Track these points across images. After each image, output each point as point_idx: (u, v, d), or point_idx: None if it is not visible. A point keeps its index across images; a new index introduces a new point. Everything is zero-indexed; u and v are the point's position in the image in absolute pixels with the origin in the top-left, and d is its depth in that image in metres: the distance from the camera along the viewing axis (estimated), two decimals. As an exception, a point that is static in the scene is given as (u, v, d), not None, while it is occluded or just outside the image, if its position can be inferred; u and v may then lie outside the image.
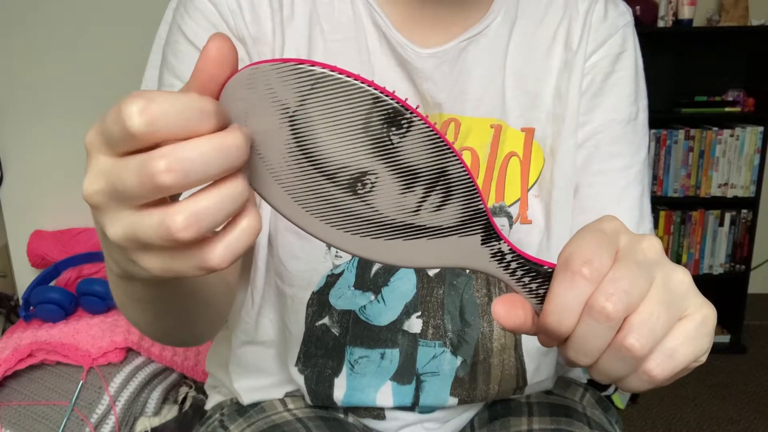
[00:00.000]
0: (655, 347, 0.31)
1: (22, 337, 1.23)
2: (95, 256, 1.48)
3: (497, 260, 0.34)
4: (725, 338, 2.34)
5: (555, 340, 0.33)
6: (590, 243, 0.32)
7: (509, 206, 0.60)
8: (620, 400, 1.98)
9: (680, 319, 0.32)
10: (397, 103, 0.29)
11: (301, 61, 0.28)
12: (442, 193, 0.32)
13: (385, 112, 0.29)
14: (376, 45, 0.59)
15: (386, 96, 0.29)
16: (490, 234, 0.34)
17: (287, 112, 0.29)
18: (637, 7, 2.20)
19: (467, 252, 0.34)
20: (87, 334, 1.23)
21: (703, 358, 0.33)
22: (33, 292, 1.31)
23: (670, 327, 0.31)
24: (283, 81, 0.29)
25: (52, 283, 1.43)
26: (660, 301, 0.31)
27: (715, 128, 2.36)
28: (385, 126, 0.30)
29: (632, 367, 0.32)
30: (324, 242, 0.37)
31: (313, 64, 0.28)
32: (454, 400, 0.63)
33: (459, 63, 0.60)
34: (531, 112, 0.61)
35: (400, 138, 0.30)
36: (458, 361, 0.61)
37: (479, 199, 0.32)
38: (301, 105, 0.29)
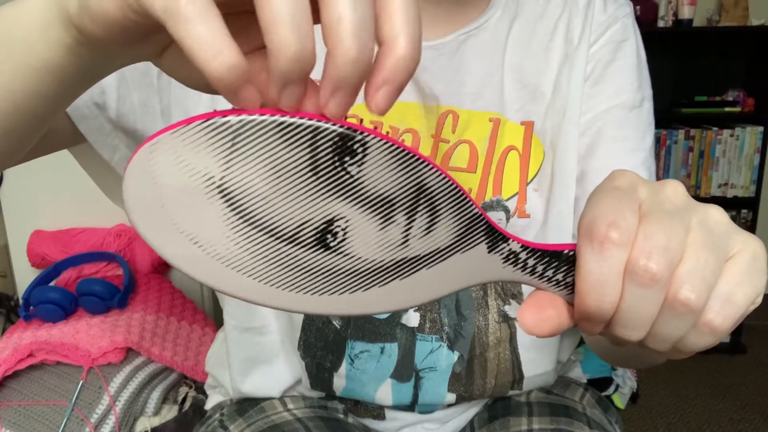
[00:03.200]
0: (710, 295, 0.28)
1: (22, 337, 1.23)
2: (95, 256, 1.48)
3: (512, 263, 0.30)
4: (725, 338, 2.35)
5: (600, 323, 0.29)
6: (609, 204, 0.28)
7: (506, 200, 0.60)
8: (620, 400, 1.98)
9: (728, 260, 0.29)
10: (342, 126, 0.24)
11: (209, 116, 0.24)
12: (428, 211, 0.27)
13: (332, 142, 0.24)
14: None
15: (327, 123, 0.24)
16: (496, 237, 0.29)
17: (213, 183, 0.24)
18: (637, 7, 2.20)
19: (476, 266, 0.29)
20: (87, 334, 1.23)
21: (759, 299, 0.29)
22: (33, 292, 1.31)
23: (720, 271, 0.28)
24: (193, 147, 0.24)
25: (52, 283, 1.43)
26: (703, 244, 0.28)
27: (715, 128, 2.36)
28: (336, 158, 0.25)
29: (690, 323, 0.28)
30: (310, 315, 0.32)
31: (225, 114, 0.24)
32: (452, 397, 0.63)
33: (458, 56, 0.60)
34: (530, 105, 0.61)
35: (359, 166, 0.25)
36: (455, 356, 0.62)
37: (471, 203, 0.28)
38: (226, 169, 0.24)
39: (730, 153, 2.36)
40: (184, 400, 1.27)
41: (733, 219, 2.40)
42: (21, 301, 1.37)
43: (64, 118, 0.54)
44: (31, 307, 1.30)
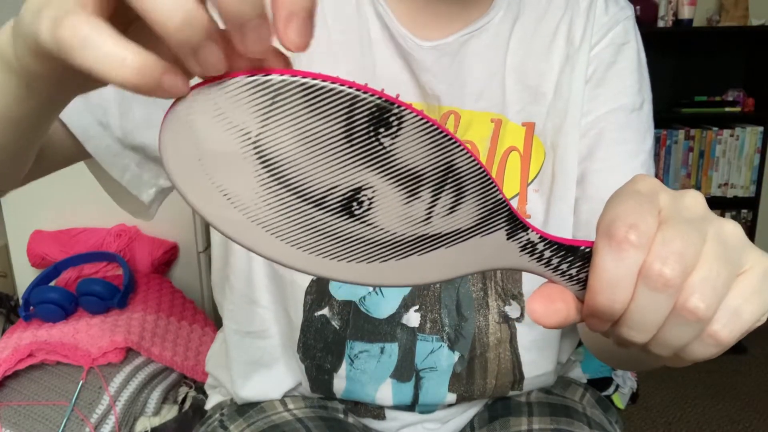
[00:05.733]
0: (719, 307, 0.28)
1: (22, 337, 1.23)
2: (95, 256, 1.48)
3: (528, 253, 0.30)
4: (725, 338, 2.34)
5: (607, 322, 0.30)
6: (630, 206, 0.28)
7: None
8: (620, 400, 1.97)
9: (739, 275, 0.29)
10: (380, 98, 0.25)
11: (251, 72, 0.24)
12: (453, 192, 0.28)
13: (369, 112, 0.25)
14: (378, 36, 0.59)
15: (365, 93, 0.24)
16: (516, 225, 0.29)
17: (249, 139, 0.25)
18: (637, 7, 2.20)
19: (493, 251, 0.30)
20: (87, 334, 1.23)
21: (765, 317, 0.30)
22: (33, 292, 1.31)
23: (731, 284, 0.28)
24: (234, 102, 0.24)
25: (52, 283, 1.43)
26: (717, 256, 0.28)
27: (715, 128, 2.36)
28: (371, 129, 0.25)
29: (696, 331, 0.29)
30: (327, 278, 0.33)
31: (268, 72, 0.24)
32: (452, 397, 0.63)
33: (459, 56, 0.60)
34: (532, 106, 0.61)
35: (392, 139, 0.26)
36: (455, 356, 0.62)
37: (496, 189, 0.28)
38: (264, 126, 0.25)
39: (730, 153, 2.36)
40: (184, 400, 1.27)
41: (733, 219, 2.40)
42: (21, 301, 1.36)
43: (69, 138, 0.54)
44: (31, 307, 1.30)
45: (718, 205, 2.41)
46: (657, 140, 2.35)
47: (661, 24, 2.31)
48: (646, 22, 2.27)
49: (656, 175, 0.69)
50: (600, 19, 0.62)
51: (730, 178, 2.38)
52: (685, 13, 2.26)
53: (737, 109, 2.34)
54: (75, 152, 0.55)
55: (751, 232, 2.38)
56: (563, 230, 0.61)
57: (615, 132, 0.61)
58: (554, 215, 0.61)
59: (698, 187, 2.40)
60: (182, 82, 0.24)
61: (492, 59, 0.61)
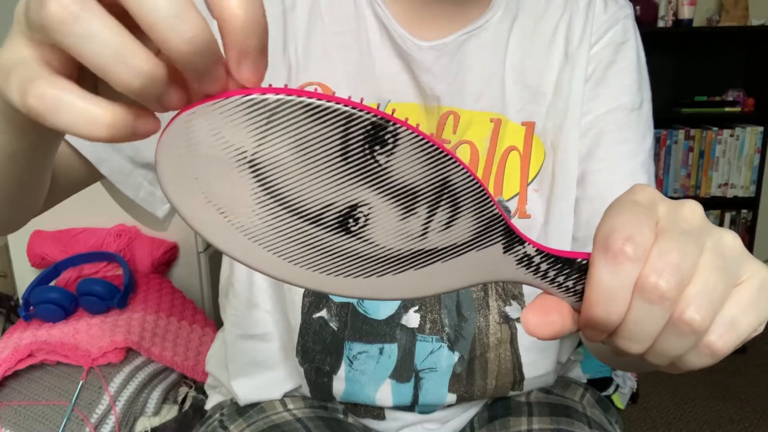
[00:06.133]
0: (715, 318, 0.29)
1: (22, 337, 1.23)
2: (95, 256, 1.48)
3: (525, 266, 0.30)
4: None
5: (603, 332, 0.30)
6: (627, 218, 0.28)
7: (507, 200, 0.60)
8: (620, 400, 1.97)
9: (736, 286, 0.29)
10: (375, 116, 0.25)
11: (247, 92, 0.24)
12: (449, 207, 0.28)
13: (364, 130, 0.25)
14: (377, 36, 0.59)
15: (361, 111, 0.25)
16: (512, 239, 0.30)
17: (245, 157, 0.25)
18: (637, 7, 2.20)
19: (490, 264, 0.30)
20: (87, 334, 1.23)
21: (761, 327, 0.30)
22: (33, 292, 1.31)
23: (727, 295, 0.29)
24: (230, 120, 0.24)
25: (52, 283, 1.43)
26: (714, 268, 0.28)
27: (715, 128, 2.36)
28: (366, 146, 0.25)
29: (692, 342, 0.29)
30: (324, 293, 0.33)
31: (264, 91, 0.24)
32: (452, 397, 0.63)
33: (459, 56, 0.60)
34: (531, 106, 0.61)
35: (387, 156, 0.26)
36: (455, 357, 0.62)
37: (492, 204, 0.28)
38: (259, 145, 0.25)
39: (730, 153, 2.36)
40: (184, 400, 1.27)
41: (733, 219, 2.41)
42: (21, 301, 1.36)
43: (80, 162, 0.55)
44: (31, 307, 1.30)
45: (718, 205, 2.41)
46: (657, 140, 2.35)
47: (661, 24, 2.31)
48: (646, 22, 2.27)
49: (656, 175, 0.70)
50: (599, 18, 0.62)
51: (730, 178, 2.38)
52: (685, 13, 2.26)
53: (737, 109, 2.35)
54: (87, 175, 0.56)
55: (751, 232, 2.38)
56: (563, 230, 0.61)
57: (615, 132, 0.61)
58: (554, 215, 0.61)
59: (698, 187, 2.40)
60: (153, 123, 0.25)
61: (491, 59, 0.61)
